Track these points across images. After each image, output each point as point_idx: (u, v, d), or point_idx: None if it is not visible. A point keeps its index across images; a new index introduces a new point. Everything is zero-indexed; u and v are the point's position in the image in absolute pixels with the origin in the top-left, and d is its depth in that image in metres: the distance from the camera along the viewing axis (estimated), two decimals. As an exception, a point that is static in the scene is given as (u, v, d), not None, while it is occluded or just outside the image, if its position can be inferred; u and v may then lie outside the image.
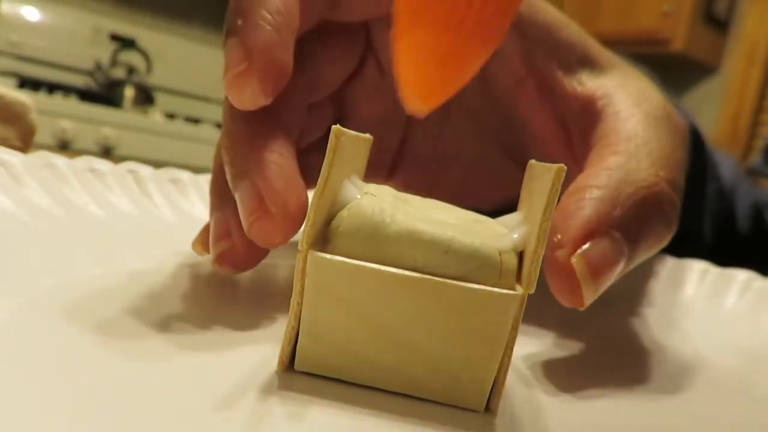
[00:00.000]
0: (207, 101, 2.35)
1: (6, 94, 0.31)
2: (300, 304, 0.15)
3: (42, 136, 1.35)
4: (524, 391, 0.17)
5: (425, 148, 0.27)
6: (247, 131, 0.18)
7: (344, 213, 0.15)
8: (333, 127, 0.15)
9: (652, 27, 2.21)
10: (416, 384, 0.15)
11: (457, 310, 0.14)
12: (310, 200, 0.15)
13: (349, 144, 0.16)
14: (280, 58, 0.18)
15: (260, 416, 0.13)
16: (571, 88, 0.23)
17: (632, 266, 0.19)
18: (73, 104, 1.88)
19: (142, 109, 2.17)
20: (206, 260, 0.21)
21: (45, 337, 0.15)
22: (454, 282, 0.14)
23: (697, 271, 0.32)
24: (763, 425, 0.18)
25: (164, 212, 0.28)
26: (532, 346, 0.20)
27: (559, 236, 0.18)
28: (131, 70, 2.25)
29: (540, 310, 0.19)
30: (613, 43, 0.32)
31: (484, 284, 0.14)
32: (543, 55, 0.24)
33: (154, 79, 2.29)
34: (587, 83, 0.23)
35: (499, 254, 0.15)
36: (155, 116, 2.08)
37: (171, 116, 2.14)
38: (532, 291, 0.14)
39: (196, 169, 0.33)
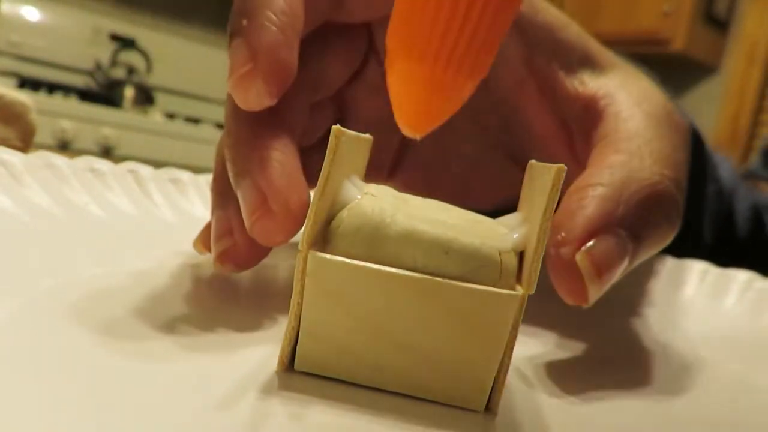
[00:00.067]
0: (207, 101, 2.34)
1: (6, 94, 0.31)
2: (300, 304, 0.15)
3: (42, 136, 1.35)
4: (524, 391, 0.17)
5: (425, 149, 0.27)
6: (249, 130, 0.18)
7: (344, 213, 0.15)
8: (333, 127, 0.15)
9: (652, 27, 2.20)
10: (416, 384, 0.15)
11: (457, 311, 0.14)
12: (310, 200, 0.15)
13: (350, 144, 0.16)
14: (285, 58, 0.18)
15: (260, 416, 0.13)
16: (572, 88, 0.23)
17: (636, 264, 0.19)
18: (73, 104, 1.88)
19: (142, 109, 2.17)
20: (207, 260, 0.21)
21: (45, 337, 0.15)
22: (455, 282, 0.14)
23: (697, 271, 0.32)
24: (763, 425, 0.18)
25: (164, 212, 0.28)
26: (532, 346, 0.20)
27: (563, 234, 0.18)
28: (131, 70, 2.25)
29: (540, 310, 0.19)
30: (613, 43, 0.32)
31: (484, 284, 0.14)
32: (544, 55, 0.24)
33: (154, 79, 2.29)
34: (588, 83, 0.23)
35: (500, 254, 0.15)
36: (155, 116, 2.08)
37: (171, 116, 2.14)
38: (533, 291, 0.14)
39: (196, 169, 0.33)
